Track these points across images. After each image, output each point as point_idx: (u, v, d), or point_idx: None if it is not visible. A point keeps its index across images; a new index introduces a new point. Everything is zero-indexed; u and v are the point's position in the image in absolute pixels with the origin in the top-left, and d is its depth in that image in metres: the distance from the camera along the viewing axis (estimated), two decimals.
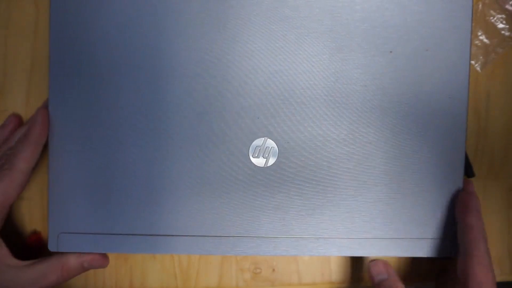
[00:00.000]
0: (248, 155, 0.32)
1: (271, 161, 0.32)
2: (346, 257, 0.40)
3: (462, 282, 0.30)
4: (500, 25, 0.41)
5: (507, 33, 0.41)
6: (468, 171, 0.40)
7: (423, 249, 0.33)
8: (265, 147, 0.32)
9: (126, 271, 0.38)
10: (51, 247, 0.32)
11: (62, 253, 0.33)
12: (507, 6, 0.41)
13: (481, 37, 0.41)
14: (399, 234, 0.33)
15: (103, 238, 0.33)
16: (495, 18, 0.41)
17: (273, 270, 0.39)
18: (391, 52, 0.32)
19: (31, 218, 0.37)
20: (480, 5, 0.41)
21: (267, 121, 0.32)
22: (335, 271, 0.40)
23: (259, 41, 0.32)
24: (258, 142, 0.32)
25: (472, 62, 0.41)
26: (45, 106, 0.33)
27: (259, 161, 0.32)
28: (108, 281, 0.38)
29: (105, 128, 0.32)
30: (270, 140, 0.32)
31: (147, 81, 0.32)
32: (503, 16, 0.41)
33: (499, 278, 0.40)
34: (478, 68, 0.41)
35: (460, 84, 0.33)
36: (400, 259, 0.40)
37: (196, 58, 0.32)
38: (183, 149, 0.32)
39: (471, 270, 0.30)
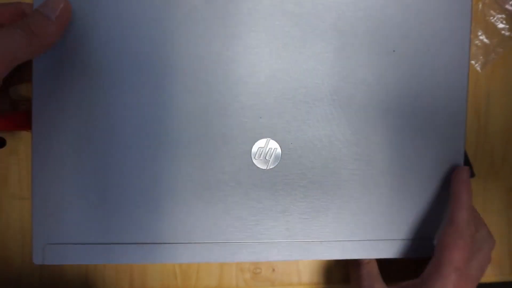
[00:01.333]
0: (251, 157, 0.30)
1: (274, 163, 0.30)
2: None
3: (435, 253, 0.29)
4: (500, 25, 0.40)
5: (507, 33, 0.40)
6: None
7: (427, 250, 0.32)
8: (267, 149, 0.30)
9: (126, 271, 0.37)
10: (36, 260, 0.29)
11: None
12: (507, 6, 0.40)
13: (481, 37, 0.40)
14: (403, 236, 0.32)
15: (96, 248, 0.29)
16: (495, 18, 0.40)
17: (273, 270, 0.39)
18: (394, 51, 0.31)
19: (30, 218, 0.37)
20: (480, 5, 0.40)
21: (270, 121, 0.30)
22: (335, 271, 0.38)
23: (261, 38, 0.30)
24: (260, 143, 0.30)
25: (472, 62, 0.40)
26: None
27: (261, 163, 0.30)
28: (108, 281, 0.37)
29: (100, 128, 0.29)
30: (273, 141, 0.30)
31: (144, 81, 0.29)
32: (503, 16, 0.40)
33: (499, 278, 0.40)
34: (478, 68, 0.40)
35: (459, 84, 0.31)
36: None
37: (196, 56, 0.29)
38: (182, 151, 0.30)
39: (442, 236, 0.29)
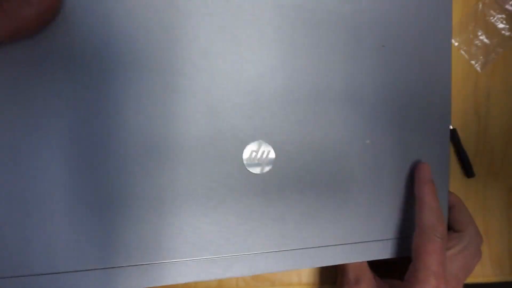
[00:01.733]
0: (242, 161, 0.27)
1: (268, 166, 0.28)
2: None
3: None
4: (500, 25, 0.40)
5: (507, 33, 0.40)
6: (468, 171, 0.38)
7: None
8: (260, 152, 0.27)
9: None
10: None
11: None
12: (507, 6, 0.40)
13: (481, 37, 0.40)
14: (401, 234, 0.31)
15: (73, 276, 0.24)
16: (495, 18, 0.40)
17: None
18: (383, 46, 0.30)
19: None
20: (480, 5, 0.40)
21: (262, 122, 0.27)
22: (335, 271, 0.39)
23: (250, 32, 0.27)
24: (252, 146, 0.27)
25: (472, 62, 0.40)
26: None
27: (254, 168, 0.27)
28: None
29: (76, 134, 0.24)
30: (266, 143, 0.27)
31: (125, 80, 0.25)
32: (503, 16, 0.40)
33: (499, 278, 0.39)
34: (478, 68, 0.39)
35: (443, 82, 0.31)
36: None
37: (180, 52, 0.26)
38: (166, 158, 0.26)
39: (413, 242, 0.29)
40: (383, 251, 0.31)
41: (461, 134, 0.39)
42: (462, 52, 0.39)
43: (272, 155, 0.28)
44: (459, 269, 0.30)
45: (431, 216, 0.29)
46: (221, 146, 0.27)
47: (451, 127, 0.39)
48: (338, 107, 0.29)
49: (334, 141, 0.29)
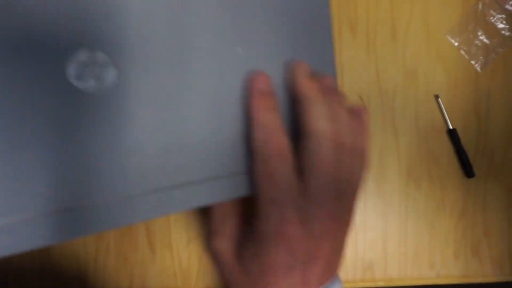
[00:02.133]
0: (68, 77, 0.19)
1: (108, 81, 0.20)
2: (347, 252, 0.40)
3: None
4: (500, 25, 0.40)
5: (507, 33, 0.40)
6: (468, 171, 0.38)
7: None
8: (93, 62, 0.20)
9: (126, 272, 0.37)
10: None
11: None
12: (507, 6, 0.40)
13: (481, 37, 0.40)
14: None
15: None
16: (495, 18, 0.40)
17: None
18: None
19: None
20: (480, 5, 0.40)
21: (93, 23, 0.19)
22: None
23: None
24: (81, 55, 0.19)
25: (472, 62, 0.39)
26: None
27: (86, 84, 0.19)
28: (108, 281, 0.37)
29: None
30: (101, 52, 0.20)
31: None
32: (503, 16, 0.40)
33: (499, 278, 0.39)
34: (478, 68, 0.39)
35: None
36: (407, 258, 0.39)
37: None
38: None
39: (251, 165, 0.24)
40: (234, 189, 0.24)
41: (461, 134, 0.39)
42: (462, 52, 0.39)
43: (111, 65, 0.20)
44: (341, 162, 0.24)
45: (260, 133, 0.23)
46: (39, 56, 0.19)
47: (451, 127, 0.39)
48: (200, 7, 0.23)
49: (195, 49, 0.22)
